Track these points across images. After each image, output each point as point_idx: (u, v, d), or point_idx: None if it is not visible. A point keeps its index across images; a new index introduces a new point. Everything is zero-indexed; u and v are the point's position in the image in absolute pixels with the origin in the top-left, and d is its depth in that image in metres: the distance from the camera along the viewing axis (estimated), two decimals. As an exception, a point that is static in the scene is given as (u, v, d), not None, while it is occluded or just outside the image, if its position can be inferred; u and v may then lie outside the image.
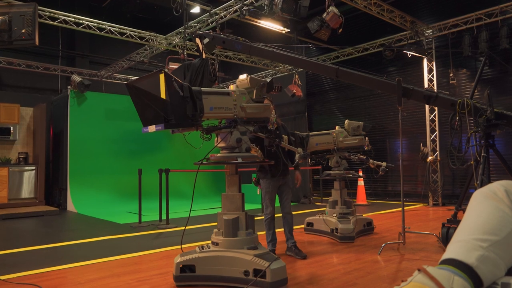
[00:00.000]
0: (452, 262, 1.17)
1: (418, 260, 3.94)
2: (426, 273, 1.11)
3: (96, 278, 3.51)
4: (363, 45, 9.91)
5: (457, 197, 8.19)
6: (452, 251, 1.21)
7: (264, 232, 4.30)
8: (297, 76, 10.26)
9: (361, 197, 9.24)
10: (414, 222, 6.30)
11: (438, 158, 8.82)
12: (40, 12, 7.54)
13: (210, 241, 3.34)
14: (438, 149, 8.86)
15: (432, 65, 9.02)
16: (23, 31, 3.33)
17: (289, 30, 9.88)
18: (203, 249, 3.26)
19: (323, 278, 3.32)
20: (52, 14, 7.82)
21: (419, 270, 1.13)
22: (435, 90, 6.53)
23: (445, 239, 4.38)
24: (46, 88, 11.48)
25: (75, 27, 8.24)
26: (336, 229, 4.99)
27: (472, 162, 4.63)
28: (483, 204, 1.27)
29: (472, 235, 1.21)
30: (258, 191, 5.67)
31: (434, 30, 8.76)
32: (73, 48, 11.88)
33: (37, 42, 3.37)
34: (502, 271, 1.18)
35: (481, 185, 4.29)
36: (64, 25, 8.11)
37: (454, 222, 4.48)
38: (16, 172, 9.30)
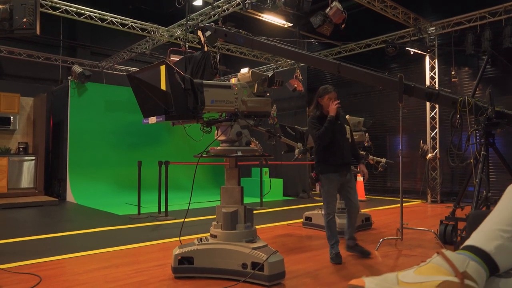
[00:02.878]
0: (470, 248, 1.23)
1: (415, 256, 3.95)
2: (444, 256, 1.17)
3: (94, 269, 3.53)
4: (365, 41, 9.87)
5: (455, 194, 8.20)
6: (474, 238, 1.27)
7: (263, 226, 4.29)
8: (298, 70, 10.23)
9: (360, 193, 9.26)
10: (412, 218, 6.32)
11: (438, 155, 8.83)
12: (42, 2, 7.50)
13: (208, 234, 3.35)
14: (438, 146, 8.87)
15: (434, 63, 8.99)
16: (24, 20, 3.31)
17: (291, 24, 9.83)
18: (201, 241, 3.27)
19: (320, 272, 3.33)
20: (53, 4, 7.77)
21: (437, 253, 1.20)
22: (437, 88, 6.53)
23: (443, 236, 4.40)
24: (47, 78, 11.45)
25: (76, 17, 8.20)
26: (335, 224, 5.00)
27: (471, 160, 4.64)
28: None
29: (496, 225, 1.27)
30: (317, 188, 5.58)
31: (437, 27, 8.72)
32: (75, 39, 11.83)
33: (38, 32, 3.36)
34: None
35: (480, 183, 4.29)
36: (65, 15, 8.07)
37: (452, 219, 4.50)
38: (16, 162, 9.31)
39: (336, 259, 3.67)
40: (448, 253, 1.20)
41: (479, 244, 1.24)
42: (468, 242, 1.28)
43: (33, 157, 9.51)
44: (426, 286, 1.11)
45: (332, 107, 3.66)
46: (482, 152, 4.47)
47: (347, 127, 3.85)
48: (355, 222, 3.93)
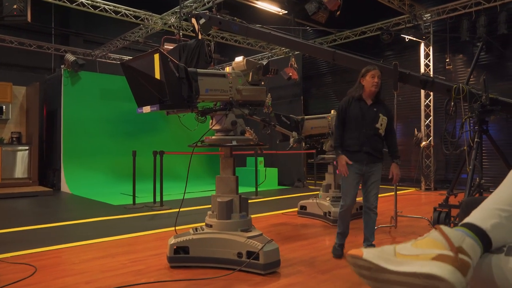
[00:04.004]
0: (468, 225, 1.28)
1: (409, 243, 3.99)
2: (441, 231, 1.22)
3: (90, 259, 3.54)
4: (360, 28, 9.82)
5: (449, 182, 8.27)
6: (472, 216, 1.32)
7: (259, 215, 4.28)
8: (293, 59, 10.17)
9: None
10: (406, 206, 6.37)
11: (432, 143, 8.87)
12: (32, -11, 7.36)
13: (204, 223, 3.36)
14: (432, 134, 8.91)
15: (429, 50, 8.97)
16: (15, 6, 3.26)
17: (286, 12, 9.74)
18: (197, 231, 3.28)
19: (315, 260, 3.36)
20: (44, -9, 7.63)
21: (435, 228, 1.25)
22: (431, 75, 6.52)
23: (437, 223, 4.45)
24: (39, 67, 11.30)
25: (68, 5, 8.06)
26: (329, 212, 5.03)
27: (465, 148, 4.66)
28: None
29: (496, 204, 1.31)
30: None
31: (433, 14, 8.68)
32: (67, 26, 11.66)
33: (29, 19, 3.30)
34: None
35: (473, 170, 4.33)
36: (57, 2, 7.92)
37: (445, 206, 4.54)
38: (9, 151, 9.23)
39: (334, 250, 3.53)
40: (446, 228, 1.24)
41: (477, 221, 1.28)
42: (466, 220, 1.32)
43: (27, 147, 9.44)
44: (422, 258, 1.15)
45: (341, 168, 3.39)
46: (475, 139, 4.50)
47: (382, 117, 3.42)
48: (369, 222, 3.49)
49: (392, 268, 1.17)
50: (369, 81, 3.39)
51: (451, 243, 1.18)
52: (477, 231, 1.25)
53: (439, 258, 1.15)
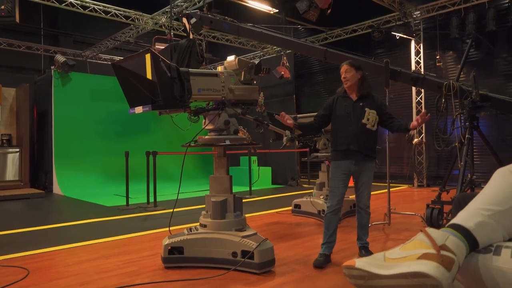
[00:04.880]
0: (452, 226, 1.36)
1: (403, 239, 4.02)
2: (425, 233, 1.31)
3: (84, 260, 3.51)
4: (351, 26, 9.86)
5: (441, 178, 8.35)
6: (457, 217, 1.40)
7: (253, 214, 4.27)
8: (285, 57, 10.19)
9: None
10: (399, 203, 6.42)
11: (424, 140, 8.94)
12: (20, -11, 7.28)
13: (198, 223, 3.35)
14: (424, 131, 8.98)
15: (420, 47, 9.04)
16: (3, 7, 3.22)
17: (277, 10, 9.75)
18: (191, 231, 3.27)
19: (310, 259, 3.37)
20: (33, -9, 7.55)
21: (421, 231, 1.34)
22: (422, 72, 6.57)
23: (429, 219, 4.49)
24: (29, 68, 11.18)
25: (57, 5, 7.99)
26: (323, 210, 5.05)
27: (456, 144, 4.71)
28: (498, 180, 1.44)
29: (479, 205, 1.38)
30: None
31: (422, 11, 8.75)
32: (56, 27, 11.54)
33: (17, 19, 3.27)
34: (500, 236, 1.34)
35: (465, 167, 4.37)
36: (46, 2, 7.85)
37: (438, 203, 4.58)
38: (0, 154, 9.12)
39: (316, 261, 3.21)
40: (430, 230, 1.32)
41: (461, 221, 1.35)
42: (452, 221, 1.40)
43: (17, 149, 9.34)
44: (408, 259, 1.23)
45: (285, 121, 3.25)
46: (466, 136, 4.54)
47: (369, 111, 3.27)
48: (362, 222, 3.39)
49: (383, 273, 1.23)
50: (342, 78, 3.37)
51: (434, 242, 1.25)
52: (461, 230, 1.32)
53: (423, 256, 1.22)
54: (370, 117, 3.28)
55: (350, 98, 3.36)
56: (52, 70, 9.77)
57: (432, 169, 9.02)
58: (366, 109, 3.28)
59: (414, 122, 3.25)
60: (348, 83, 3.33)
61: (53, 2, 7.87)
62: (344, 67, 3.35)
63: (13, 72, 10.75)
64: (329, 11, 6.38)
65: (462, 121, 4.74)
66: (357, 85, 3.34)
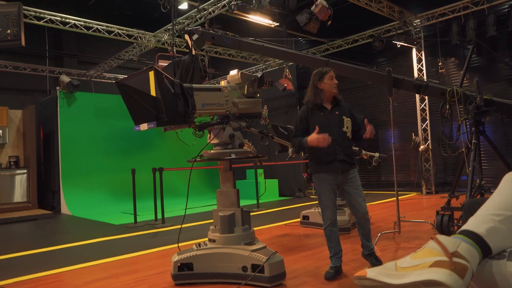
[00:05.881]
0: (464, 232, 1.34)
1: (414, 248, 3.97)
2: (436, 240, 1.28)
3: (93, 280, 3.50)
4: (352, 36, 9.92)
5: (449, 184, 8.27)
6: (468, 224, 1.38)
7: (261, 227, 4.24)
8: (287, 70, 10.24)
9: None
10: (408, 211, 6.35)
11: (430, 146, 8.89)
12: (25, 12, 7.43)
13: (207, 239, 3.33)
14: (429, 138, 8.94)
15: (421, 55, 9.06)
16: (9, 31, 3.27)
17: (278, 24, 9.85)
18: (200, 246, 3.25)
19: (321, 270, 3.33)
20: (37, 14, 7.70)
21: (432, 238, 1.31)
22: (425, 80, 6.57)
23: (440, 226, 4.43)
24: (35, 89, 11.33)
25: (61, 27, 8.13)
26: (332, 221, 5.01)
27: (463, 150, 4.68)
28: (507, 185, 1.42)
29: (489, 210, 1.37)
30: (314, 191, 5.40)
31: (422, 19, 8.79)
32: (61, 48, 11.72)
33: (23, 43, 3.32)
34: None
35: (473, 172, 4.33)
36: (50, 25, 7.99)
37: (448, 209, 4.52)
38: (7, 176, 9.19)
39: (327, 274, 3.17)
40: (441, 237, 1.29)
41: (472, 227, 1.34)
42: (463, 227, 1.38)
43: (25, 170, 9.40)
44: (420, 267, 1.21)
45: (313, 141, 3.04)
46: (473, 141, 4.51)
47: (346, 119, 3.24)
48: (365, 229, 3.32)
49: (395, 282, 1.21)
50: (329, 83, 3.22)
51: (445, 249, 1.23)
52: (473, 236, 1.30)
53: (435, 264, 1.20)
54: (348, 125, 3.25)
55: (325, 107, 3.26)
56: (58, 91, 9.90)
57: (440, 176, 8.95)
58: (344, 117, 3.25)
59: (366, 134, 3.29)
60: (336, 89, 3.27)
61: (57, 24, 8.01)
62: (333, 73, 3.28)
63: (19, 94, 10.90)
64: (329, 22, 6.43)
65: (468, 126, 4.71)
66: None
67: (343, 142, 3.20)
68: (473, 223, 1.36)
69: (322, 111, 3.25)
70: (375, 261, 3.32)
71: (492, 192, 1.48)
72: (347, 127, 3.24)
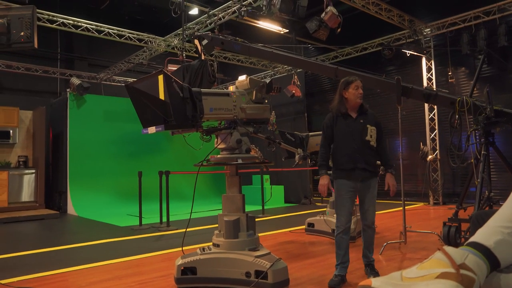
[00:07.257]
0: (471, 244, 1.31)
1: (420, 258, 3.92)
2: (444, 251, 1.26)
3: (97, 281, 3.50)
4: (361, 44, 9.91)
5: (457, 195, 8.18)
6: (476, 236, 1.35)
7: (266, 233, 4.23)
8: (296, 76, 10.25)
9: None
10: (415, 221, 6.29)
11: (438, 156, 8.82)
12: (39, 15, 7.54)
13: (211, 243, 3.33)
14: (438, 147, 8.86)
15: (431, 64, 9.02)
16: (22, 34, 3.32)
17: (287, 30, 9.88)
18: (204, 251, 3.25)
19: (325, 278, 3.31)
20: (50, 17, 7.82)
21: (439, 249, 1.28)
22: (435, 89, 6.54)
23: (447, 237, 4.38)
24: (45, 91, 11.47)
25: (73, 30, 8.24)
26: (337, 229, 4.97)
27: (472, 160, 4.63)
28: None
29: (498, 222, 1.35)
30: (333, 195, 5.32)
31: (433, 28, 8.76)
32: (72, 51, 11.87)
33: (36, 45, 3.36)
34: None
35: (482, 183, 4.28)
36: (62, 28, 8.11)
37: (455, 220, 4.47)
38: (16, 175, 9.28)
39: (331, 282, 3.15)
40: (448, 248, 1.27)
41: (480, 240, 1.31)
42: (471, 239, 1.35)
43: (33, 170, 9.49)
44: (426, 278, 1.19)
45: (320, 186, 3.21)
46: (482, 152, 4.47)
47: (371, 128, 3.25)
48: (368, 239, 3.38)
49: None
50: (354, 93, 3.23)
51: (453, 261, 1.21)
52: (481, 248, 1.28)
53: (442, 276, 1.18)
54: (372, 133, 3.26)
55: (350, 115, 3.28)
56: (68, 93, 10.01)
57: (448, 186, 8.86)
58: (368, 126, 3.25)
59: (388, 180, 3.37)
60: (360, 99, 3.27)
61: (69, 27, 8.12)
62: (359, 83, 3.28)
63: (30, 95, 11.05)
64: (338, 30, 6.43)
65: (477, 137, 4.66)
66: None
67: (364, 150, 3.22)
68: (482, 235, 1.33)
69: (346, 119, 3.28)
70: (371, 272, 3.33)
71: (501, 205, 1.47)
72: (371, 136, 3.25)
